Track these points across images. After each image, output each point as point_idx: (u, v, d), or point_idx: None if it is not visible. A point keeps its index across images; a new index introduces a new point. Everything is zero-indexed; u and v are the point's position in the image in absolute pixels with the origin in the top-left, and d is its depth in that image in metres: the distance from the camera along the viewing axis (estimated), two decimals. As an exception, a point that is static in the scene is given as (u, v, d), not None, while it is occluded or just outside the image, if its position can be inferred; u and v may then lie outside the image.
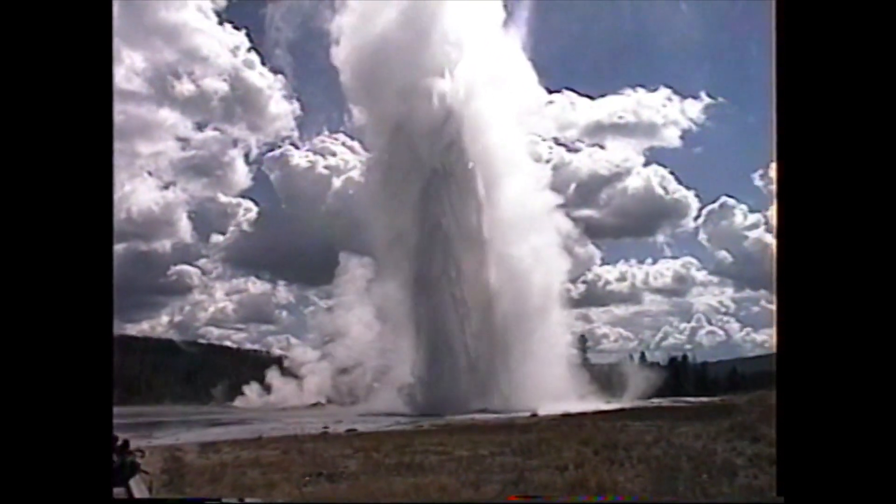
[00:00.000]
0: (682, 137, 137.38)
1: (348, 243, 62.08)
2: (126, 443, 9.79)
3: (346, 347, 65.14)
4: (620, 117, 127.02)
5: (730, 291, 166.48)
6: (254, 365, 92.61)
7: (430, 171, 53.73)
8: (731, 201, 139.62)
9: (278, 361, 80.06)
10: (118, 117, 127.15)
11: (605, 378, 56.64)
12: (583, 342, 73.33)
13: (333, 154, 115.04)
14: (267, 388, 74.35)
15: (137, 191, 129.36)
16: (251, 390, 75.93)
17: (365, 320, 63.05)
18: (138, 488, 8.56)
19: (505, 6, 60.37)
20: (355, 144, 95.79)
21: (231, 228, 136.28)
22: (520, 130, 60.98)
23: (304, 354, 75.90)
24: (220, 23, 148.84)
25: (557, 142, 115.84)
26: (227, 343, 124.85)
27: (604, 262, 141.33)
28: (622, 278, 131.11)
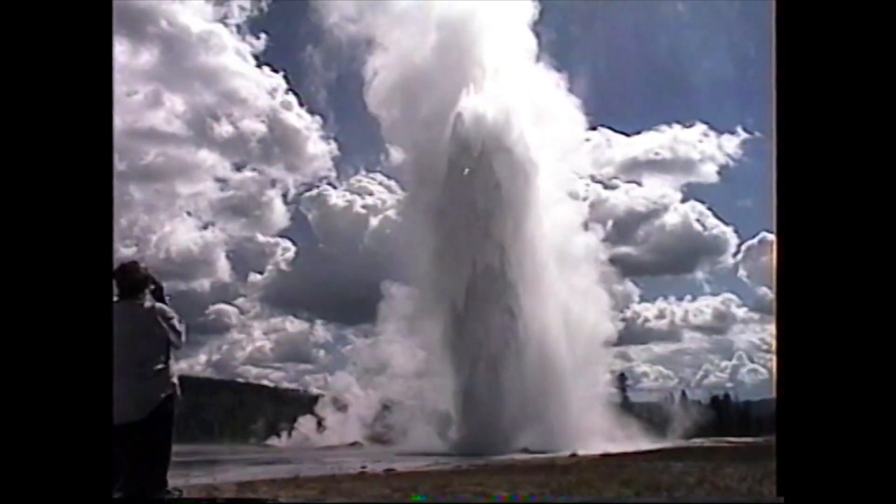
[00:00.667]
0: (719, 173, 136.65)
1: (387, 280, 62.21)
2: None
3: (386, 385, 65.14)
4: (657, 154, 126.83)
5: (771, 328, 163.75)
6: (292, 404, 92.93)
7: (472, 209, 53.75)
8: (771, 237, 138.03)
9: (316, 400, 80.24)
10: (158, 159, 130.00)
11: (646, 417, 55.78)
12: (622, 381, 72.55)
13: (370, 193, 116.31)
14: (306, 427, 74.41)
15: (177, 231, 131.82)
16: (289, 428, 76.04)
17: (406, 356, 63.00)
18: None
19: (538, 41, 60.84)
20: (392, 184, 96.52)
21: (269, 268, 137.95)
22: (561, 167, 61.07)
23: (342, 392, 75.93)
24: (259, 65, 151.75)
25: (594, 179, 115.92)
26: (265, 382, 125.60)
27: (642, 300, 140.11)
28: (661, 315, 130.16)
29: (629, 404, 65.85)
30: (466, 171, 54.05)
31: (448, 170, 54.52)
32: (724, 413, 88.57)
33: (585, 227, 60.23)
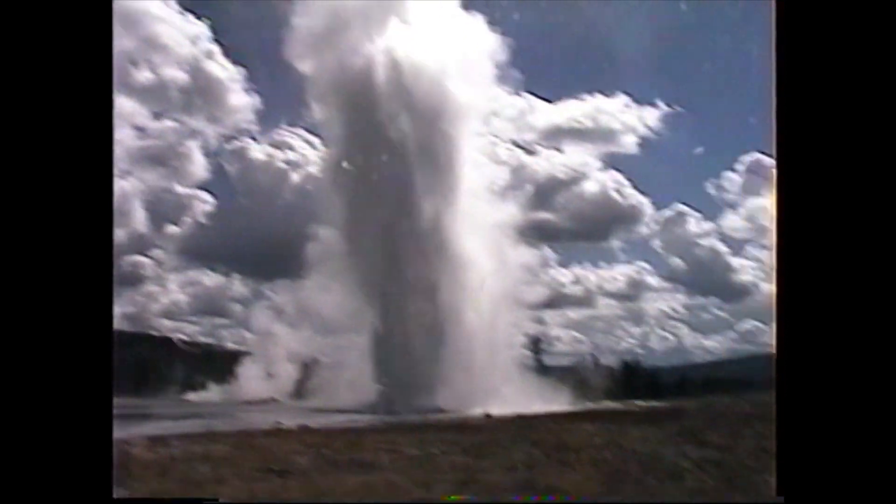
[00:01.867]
0: (639, 144, 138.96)
1: (304, 239, 61.60)
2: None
3: (298, 343, 64.80)
4: (579, 122, 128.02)
5: (682, 298, 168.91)
6: (207, 358, 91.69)
7: (383, 160, 53.57)
8: (686, 209, 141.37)
9: (231, 354, 79.42)
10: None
11: (559, 380, 56.90)
12: (537, 344, 73.70)
13: (292, 148, 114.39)
14: (220, 382, 73.70)
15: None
16: (203, 382, 75.22)
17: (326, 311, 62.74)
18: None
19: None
20: (314, 139, 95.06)
21: (186, 220, 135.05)
22: (477, 126, 61.30)
23: (256, 348, 75.23)
24: (182, 12, 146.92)
25: (516, 144, 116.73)
26: (180, 335, 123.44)
27: (559, 265, 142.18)
28: (577, 282, 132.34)
29: (543, 367, 67.02)
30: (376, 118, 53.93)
31: (368, 130, 54.18)
32: (633, 378, 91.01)
33: (504, 191, 60.69)
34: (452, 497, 9.94)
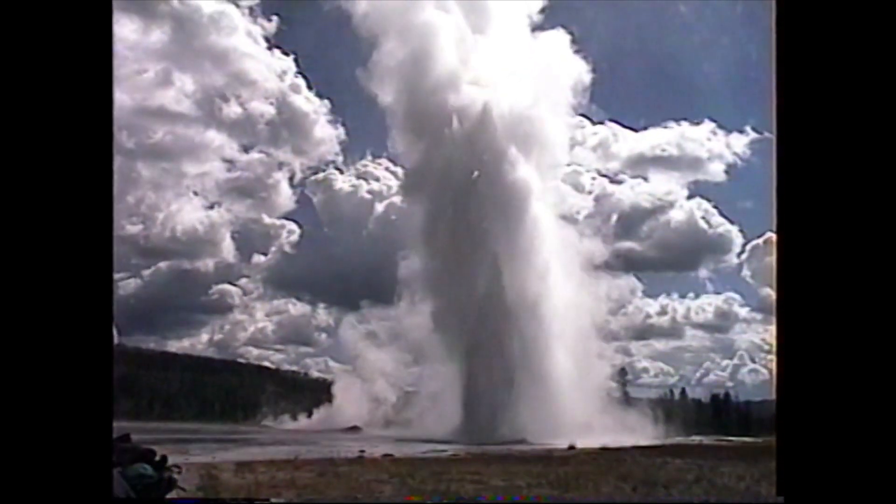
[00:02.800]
0: (726, 171, 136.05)
1: (391, 268, 62.20)
2: (164, 458, 9.82)
3: (385, 372, 65.19)
4: (664, 150, 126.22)
5: (773, 329, 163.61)
6: (292, 386, 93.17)
7: (469, 189, 53.86)
8: (776, 237, 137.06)
9: (316, 383, 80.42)
10: (166, 138, 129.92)
11: (646, 413, 55.73)
12: (623, 375, 72.42)
13: (377, 179, 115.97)
14: (307, 410, 74.61)
15: (183, 210, 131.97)
16: (289, 411, 76.25)
17: (404, 346, 63.12)
18: (174, 505, 8.55)
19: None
20: (398, 170, 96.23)
21: (273, 250, 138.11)
22: (561, 153, 61.38)
23: (342, 377, 75.98)
24: (269, 48, 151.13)
25: (600, 173, 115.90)
26: (266, 363, 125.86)
27: (645, 295, 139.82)
28: (663, 312, 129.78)
29: (629, 399, 65.83)
30: (476, 174, 54.15)
31: (450, 166, 54.71)
32: (723, 412, 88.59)
33: (588, 221, 60.48)
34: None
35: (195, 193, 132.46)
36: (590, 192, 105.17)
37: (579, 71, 61.38)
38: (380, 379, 65.33)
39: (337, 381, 75.55)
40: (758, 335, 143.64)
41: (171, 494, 9.27)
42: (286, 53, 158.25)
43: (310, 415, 73.36)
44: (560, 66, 60.45)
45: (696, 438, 49.12)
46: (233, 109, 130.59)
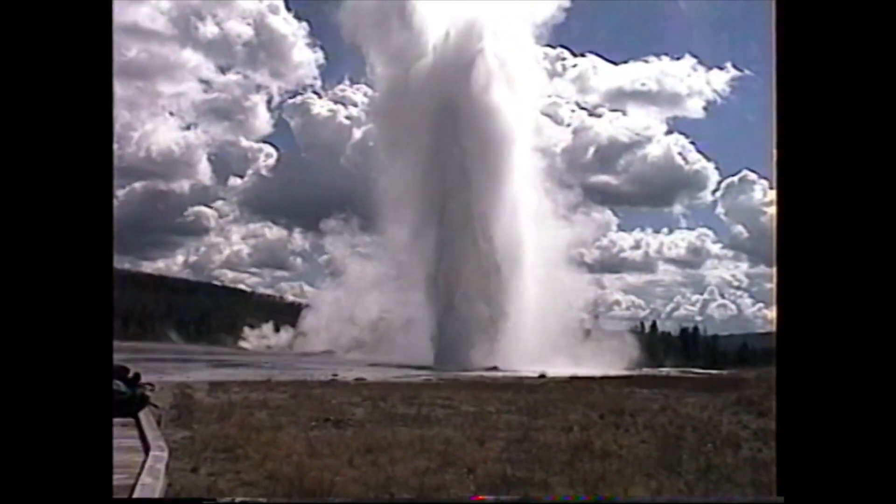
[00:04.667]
0: (705, 108, 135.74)
1: (365, 194, 62.07)
2: (137, 375, 9.91)
3: (358, 298, 65.50)
4: (643, 84, 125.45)
5: (744, 266, 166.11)
6: (267, 309, 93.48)
7: (443, 110, 53.51)
8: (752, 176, 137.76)
9: (291, 307, 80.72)
10: (140, 56, 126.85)
11: (616, 344, 56.57)
12: (595, 307, 73.27)
13: (355, 104, 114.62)
14: (280, 332, 75.08)
15: (158, 130, 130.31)
16: (264, 333, 76.71)
17: (379, 273, 63.37)
18: (147, 421, 8.67)
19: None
20: (376, 95, 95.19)
21: (250, 173, 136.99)
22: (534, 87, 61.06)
23: (317, 301, 76.32)
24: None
25: (579, 105, 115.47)
26: (241, 286, 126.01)
27: (620, 229, 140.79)
28: (637, 246, 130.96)
29: (601, 331, 66.73)
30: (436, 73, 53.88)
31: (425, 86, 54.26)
32: (691, 345, 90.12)
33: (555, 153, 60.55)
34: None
35: (171, 114, 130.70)
36: (568, 125, 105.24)
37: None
38: (353, 304, 65.71)
39: (311, 304, 75.96)
40: (728, 271, 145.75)
41: (145, 410, 9.40)
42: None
43: (284, 338, 73.84)
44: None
45: (663, 370, 50.05)
46: (209, 29, 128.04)
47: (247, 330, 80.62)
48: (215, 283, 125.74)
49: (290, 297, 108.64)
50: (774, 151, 2.35)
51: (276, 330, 77.26)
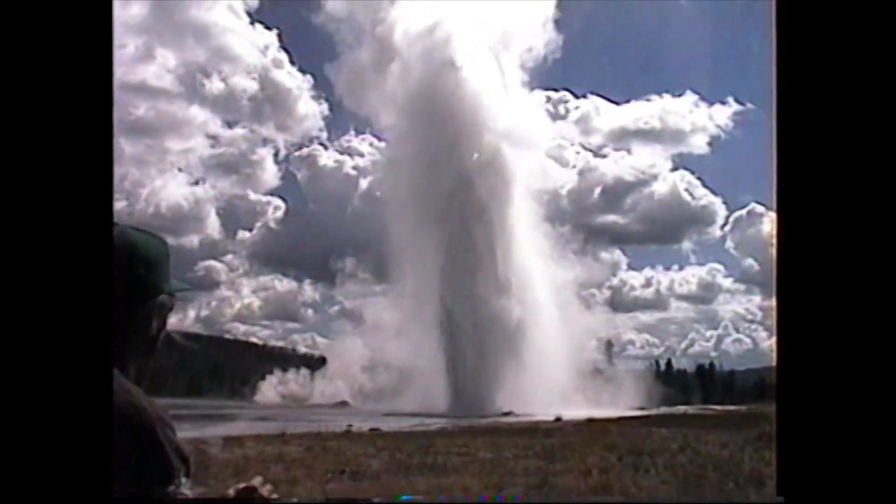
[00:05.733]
0: (709, 143, 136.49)
1: (374, 243, 62.42)
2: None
3: (371, 347, 65.34)
4: (646, 123, 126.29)
5: (756, 300, 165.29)
6: (279, 362, 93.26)
7: (455, 173, 53.84)
8: (760, 208, 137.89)
9: (303, 358, 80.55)
10: (148, 114, 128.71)
11: (632, 384, 56.19)
12: (609, 347, 72.87)
13: (361, 155, 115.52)
14: (293, 385, 74.79)
15: (167, 186, 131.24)
16: (276, 386, 76.41)
17: (391, 320, 63.27)
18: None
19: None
20: (382, 145, 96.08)
21: (258, 225, 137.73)
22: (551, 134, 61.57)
23: (329, 352, 76.16)
24: (252, 22, 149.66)
25: (584, 147, 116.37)
26: (253, 339, 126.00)
27: (629, 268, 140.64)
28: (648, 284, 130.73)
29: (615, 371, 66.33)
30: (476, 155, 54.13)
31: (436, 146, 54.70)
32: (708, 382, 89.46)
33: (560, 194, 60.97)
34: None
35: (179, 170, 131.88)
36: (573, 167, 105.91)
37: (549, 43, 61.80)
38: (366, 354, 65.51)
39: (324, 356, 75.78)
40: (741, 305, 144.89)
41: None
42: (268, 28, 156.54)
43: (298, 390, 73.54)
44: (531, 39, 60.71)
45: (681, 408, 49.58)
46: (215, 85, 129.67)
47: (260, 383, 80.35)
48: (227, 336, 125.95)
49: (302, 349, 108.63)
50: (775, 177, 2.34)
51: (290, 382, 76.99)
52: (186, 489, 1.88)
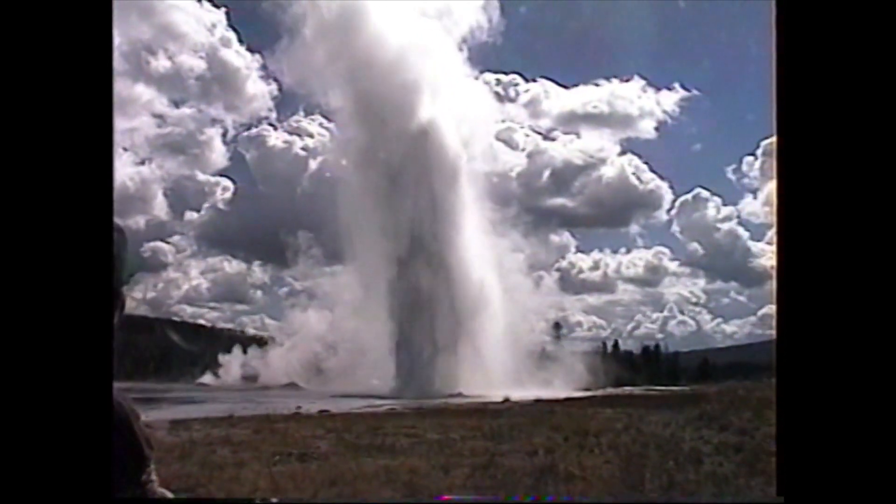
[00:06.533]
0: (656, 129, 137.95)
1: (324, 224, 62.06)
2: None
3: (320, 328, 65.15)
4: (595, 107, 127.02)
5: (701, 283, 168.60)
6: (228, 344, 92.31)
7: (402, 155, 53.79)
8: (705, 193, 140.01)
9: (252, 340, 80.00)
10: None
11: (579, 365, 56.88)
12: (557, 329, 73.65)
13: (311, 135, 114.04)
14: (240, 366, 74.25)
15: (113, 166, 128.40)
16: (225, 368, 75.81)
17: (340, 302, 63.14)
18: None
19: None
20: (332, 126, 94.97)
21: (206, 206, 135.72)
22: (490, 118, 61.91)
23: (278, 333, 75.75)
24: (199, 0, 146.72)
25: (533, 130, 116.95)
26: (201, 321, 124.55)
27: (578, 251, 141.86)
28: (595, 267, 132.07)
29: (563, 352, 67.06)
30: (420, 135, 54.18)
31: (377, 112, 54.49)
32: (653, 363, 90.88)
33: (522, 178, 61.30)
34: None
35: (125, 149, 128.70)
36: (523, 150, 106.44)
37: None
38: (314, 336, 65.30)
39: (273, 338, 75.35)
40: (686, 288, 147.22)
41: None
42: (216, 6, 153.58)
43: (247, 372, 73.05)
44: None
45: (626, 389, 50.32)
46: (161, 63, 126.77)
47: (209, 365, 79.53)
48: (174, 318, 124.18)
49: (251, 331, 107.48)
50: (774, 140, 2.43)
51: (238, 364, 76.35)
52: (154, 474, 1.98)
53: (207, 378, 75.87)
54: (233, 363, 76.68)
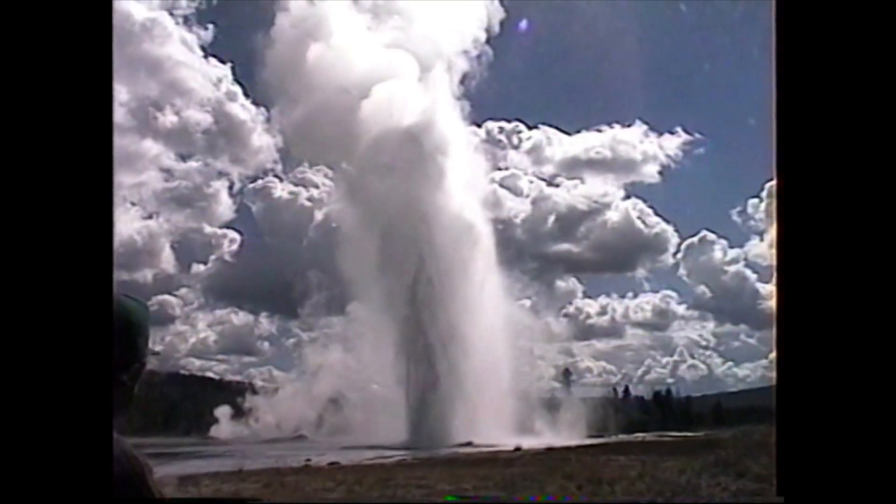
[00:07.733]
0: (660, 172, 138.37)
1: (330, 275, 62.14)
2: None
3: (329, 379, 64.83)
4: (598, 153, 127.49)
5: (710, 326, 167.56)
6: (236, 396, 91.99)
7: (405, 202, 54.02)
8: (711, 236, 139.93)
9: (261, 392, 79.65)
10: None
11: (590, 412, 56.40)
12: (567, 376, 73.19)
13: (316, 186, 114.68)
14: (249, 419, 73.79)
15: (120, 221, 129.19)
16: (233, 421, 75.34)
17: (349, 352, 62.95)
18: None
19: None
20: (335, 177, 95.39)
21: (213, 259, 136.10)
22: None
23: (286, 385, 75.40)
24: (205, 56, 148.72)
25: (537, 176, 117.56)
26: (209, 374, 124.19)
27: (585, 296, 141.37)
28: (603, 312, 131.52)
29: (573, 399, 66.53)
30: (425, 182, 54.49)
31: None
32: (665, 408, 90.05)
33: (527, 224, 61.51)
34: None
35: (132, 204, 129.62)
36: (527, 196, 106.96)
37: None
38: (324, 387, 64.95)
39: (281, 389, 74.99)
40: (695, 331, 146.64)
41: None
42: (222, 61, 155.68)
43: (253, 424, 72.57)
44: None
45: (639, 435, 49.79)
46: (168, 118, 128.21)
47: (216, 418, 79.06)
48: (182, 372, 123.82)
49: (259, 383, 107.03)
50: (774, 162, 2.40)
51: (247, 416, 75.90)
52: None
53: (215, 431, 75.35)
54: (241, 416, 76.19)
